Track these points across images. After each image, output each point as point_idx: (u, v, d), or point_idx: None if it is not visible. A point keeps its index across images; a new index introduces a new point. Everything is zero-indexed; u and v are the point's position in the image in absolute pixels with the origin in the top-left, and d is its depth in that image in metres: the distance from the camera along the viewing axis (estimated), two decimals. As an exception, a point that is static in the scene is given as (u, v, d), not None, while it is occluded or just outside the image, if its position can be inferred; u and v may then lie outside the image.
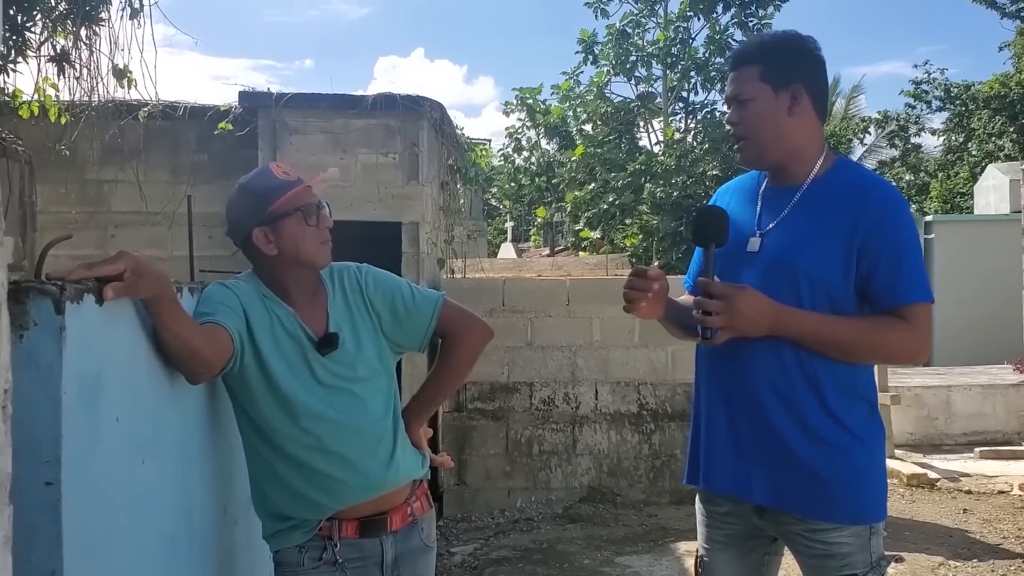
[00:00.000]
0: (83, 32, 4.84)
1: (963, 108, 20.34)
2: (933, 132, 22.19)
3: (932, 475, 7.31)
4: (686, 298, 2.37)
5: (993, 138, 19.88)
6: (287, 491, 2.14)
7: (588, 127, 15.74)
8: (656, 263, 12.16)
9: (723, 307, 2.10)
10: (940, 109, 21.17)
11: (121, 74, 4.96)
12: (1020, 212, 11.43)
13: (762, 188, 2.31)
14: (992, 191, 14.98)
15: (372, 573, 2.19)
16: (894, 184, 20.11)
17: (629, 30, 14.79)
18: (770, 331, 2.12)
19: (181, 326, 1.85)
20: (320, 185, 2.20)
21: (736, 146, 2.29)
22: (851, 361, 2.15)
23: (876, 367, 2.36)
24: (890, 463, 7.42)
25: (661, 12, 14.93)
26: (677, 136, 14.92)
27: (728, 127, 2.29)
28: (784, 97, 2.19)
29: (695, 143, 14.54)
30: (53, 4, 4.78)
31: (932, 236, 13.58)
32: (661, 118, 15.49)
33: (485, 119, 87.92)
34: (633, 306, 2.20)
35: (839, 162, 2.27)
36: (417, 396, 2.39)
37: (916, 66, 23.23)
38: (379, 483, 2.17)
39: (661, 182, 13.34)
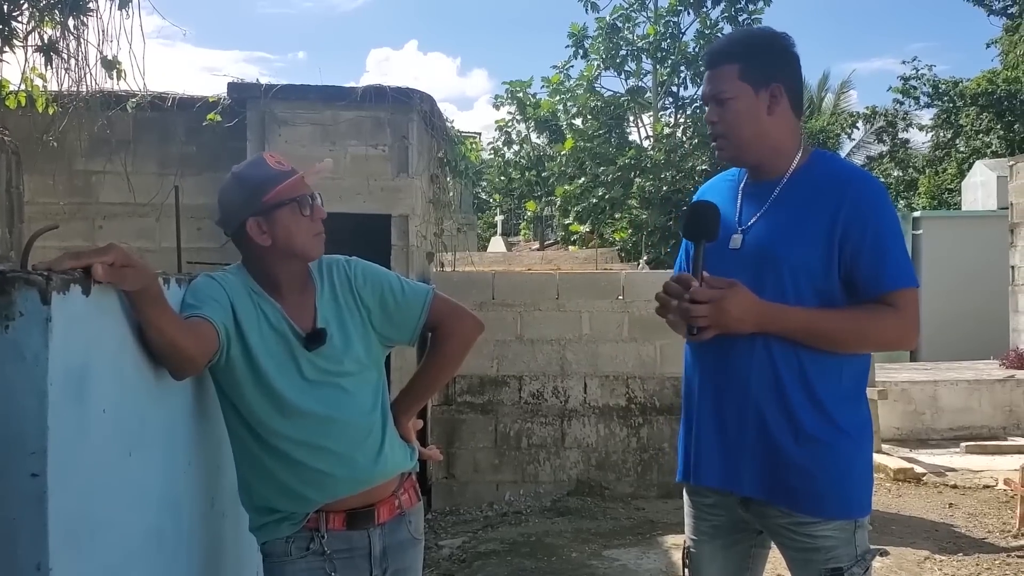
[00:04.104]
0: (71, 22, 4.80)
1: (951, 105, 20.41)
2: (921, 128, 22.27)
3: (918, 469, 7.35)
4: None
5: (980, 135, 19.97)
6: (274, 485, 2.13)
7: (578, 121, 15.71)
8: (645, 257, 12.18)
9: (710, 309, 2.10)
10: (928, 106, 21.25)
11: (110, 65, 4.93)
12: (1007, 208, 11.49)
13: (742, 185, 2.32)
14: (979, 187, 15.06)
15: (360, 565, 2.18)
16: (880, 178, 20.24)
17: (619, 24, 14.77)
18: (757, 328, 2.12)
19: (166, 323, 1.84)
20: (312, 176, 2.19)
21: (715, 144, 2.29)
22: (843, 351, 2.16)
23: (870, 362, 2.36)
24: (877, 457, 7.46)
25: (651, 6, 14.92)
26: (667, 131, 14.91)
27: (708, 125, 2.28)
28: (764, 96, 2.19)
29: (684, 138, 14.54)
30: (40, -7, 4.74)
31: (920, 232, 13.64)
32: (651, 113, 15.48)
33: (478, 112, 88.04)
34: (668, 312, 2.18)
35: (816, 155, 2.28)
36: (406, 389, 2.38)
37: (904, 62, 23.30)
38: (367, 476, 2.17)
39: (650, 176, 13.35)
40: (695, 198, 2.42)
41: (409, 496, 2.29)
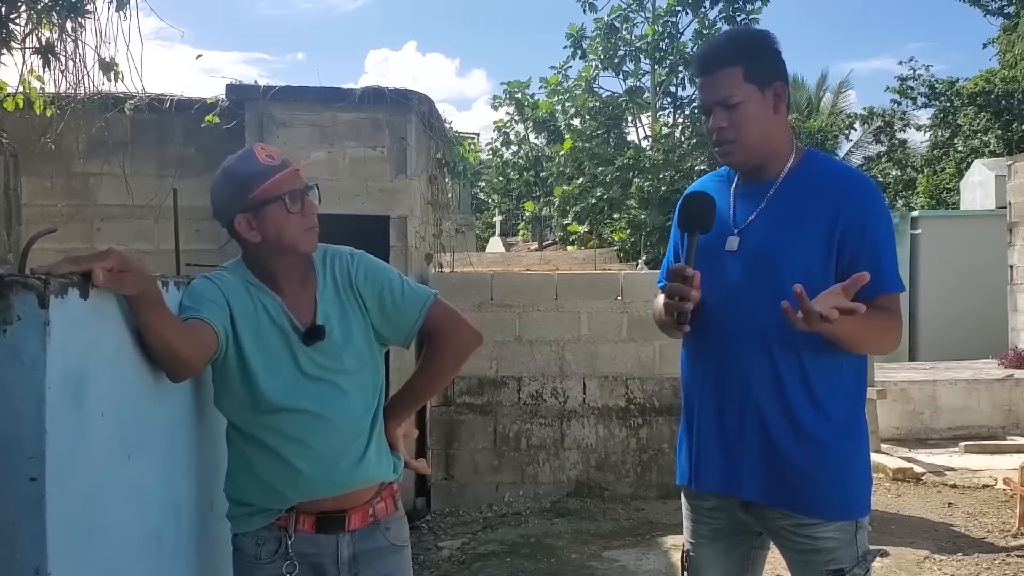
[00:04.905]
0: (69, 24, 4.80)
1: (948, 104, 20.42)
2: (918, 128, 22.28)
3: (917, 469, 7.35)
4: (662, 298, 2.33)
5: (978, 134, 19.97)
6: (253, 478, 2.13)
7: (576, 121, 15.73)
8: (644, 258, 12.19)
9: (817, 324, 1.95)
10: (925, 106, 21.26)
11: (108, 67, 4.93)
12: (1005, 208, 11.49)
13: (733, 186, 2.30)
14: (978, 187, 15.05)
15: (329, 570, 2.17)
16: (878, 178, 20.24)
17: (617, 25, 14.78)
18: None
19: (164, 326, 1.84)
20: (307, 168, 2.16)
21: (720, 149, 2.22)
22: (856, 352, 2.16)
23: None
24: (876, 457, 7.46)
25: (649, 6, 14.93)
26: (665, 131, 14.93)
27: (713, 132, 2.21)
28: (769, 96, 2.18)
29: (683, 138, 14.56)
30: (38, -5, 4.74)
31: (919, 231, 13.63)
32: (649, 113, 15.50)
33: (477, 112, 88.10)
34: (682, 315, 2.13)
35: (809, 154, 2.28)
36: (398, 395, 2.36)
37: (901, 63, 23.28)
38: (345, 480, 2.15)
39: (649, 176, 13.36)
40: (685, 193, 2.39)
41: (385, 505, 2.25)
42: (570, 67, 15.67)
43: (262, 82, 6.30)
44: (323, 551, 2.16)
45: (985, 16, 20.89)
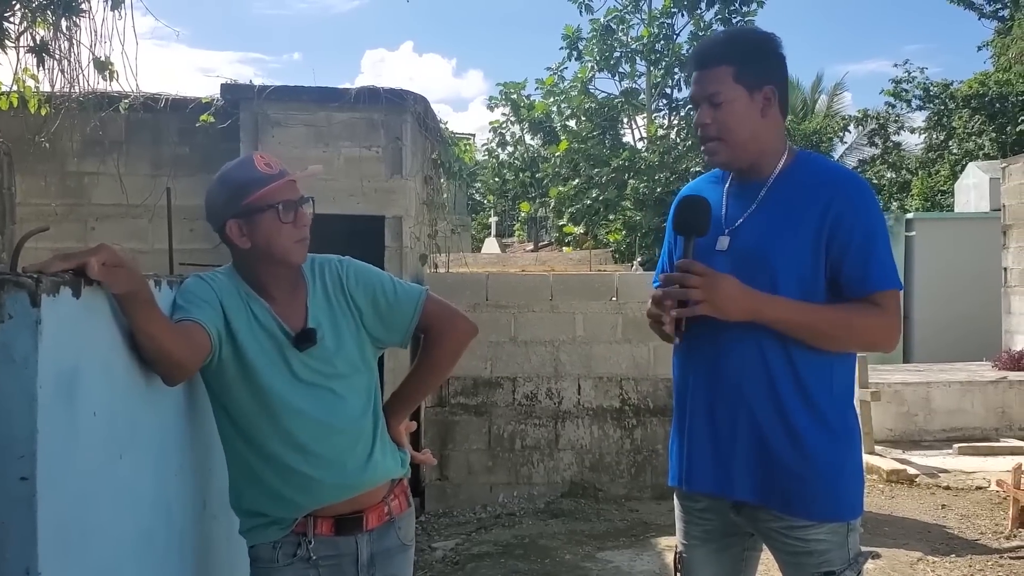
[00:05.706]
0: (63, 23, 4.79)
1: (942, 107, 20.43)
2: (913, 130, 22.29)
3: (911, 471, 7.36)
4: None
5: (973, 137, 19.99)
6: (263, 489, 2.12)
7: (572, 123, 15.74)
8: (639, 259, 12.19)
9: (704, 283, 2.08)
10: (920, 108, 21.27)
11: (102, 66, 4.92)
12: (999, 210, 11.53)
13: (726, 186, 2.30)
14: (972, 189, 15.08)
15: (348, 570, 2.18)
16: (872, 180, 20.23)
17: (613, 26, 14.80)
18: (751, 314, 2.09)
19: (156, 327, 1.83)
20: (303, 180, 2.16)
21: (705, 147, 2.23)
22: (829, 348, 2.15)
23: (858, 363, 2.35)
24: (870, 459, 7.47)
25: (645, 8, 14.95)
26: (660, 132, 14.96)
27: (698, 127, 2.23)
28: (758, 99, 2.18)
29: (678, 139, 14.58)
30: (32, -6, 4.73)
31: (913, 233, 13.66)
32: (645, 114, 15.52)
33: (473, 113, 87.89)
34: (665, 318, 2.14)
35: (801, 155, 2.27)
36: (398, 392, 2.37)
37: (896, 65, 23.31)
38: (356, 483, 2.16)
39: (644, 178, 13.38)
40: (679, 197, 2.39)
41: (399, 502, 2.28)
42: (566, 68, 15.71)
43: (257, 82, 6.31)
44: (343, 552, 2.17)
45: (980, 19, 20.95)
